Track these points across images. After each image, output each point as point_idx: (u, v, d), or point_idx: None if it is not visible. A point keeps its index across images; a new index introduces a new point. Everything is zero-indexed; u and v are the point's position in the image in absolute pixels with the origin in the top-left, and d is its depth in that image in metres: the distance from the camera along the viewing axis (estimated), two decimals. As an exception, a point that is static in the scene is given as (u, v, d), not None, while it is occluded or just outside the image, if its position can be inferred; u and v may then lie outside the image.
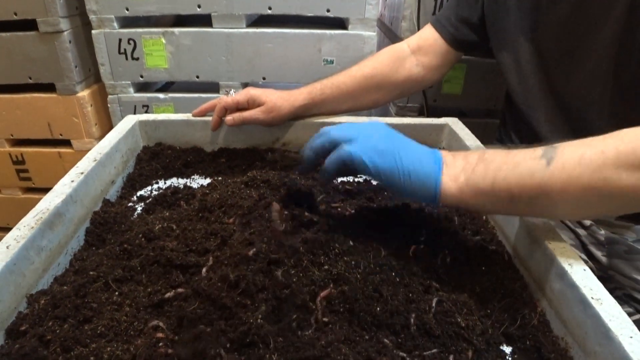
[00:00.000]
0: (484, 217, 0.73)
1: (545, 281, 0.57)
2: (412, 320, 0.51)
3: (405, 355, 0.48)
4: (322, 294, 0.50)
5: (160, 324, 0.49)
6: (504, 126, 1.03)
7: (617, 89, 0.72)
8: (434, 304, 0.52)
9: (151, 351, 0.46)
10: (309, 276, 0.51)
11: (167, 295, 0.51)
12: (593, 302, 0.48)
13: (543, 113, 0.86)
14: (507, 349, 0.53)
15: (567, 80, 0.80)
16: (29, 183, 1.43)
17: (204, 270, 0.52)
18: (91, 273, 0.59)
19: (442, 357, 0.49)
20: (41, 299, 0.56)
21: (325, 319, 0.49)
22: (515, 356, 0.53)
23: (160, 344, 0.47)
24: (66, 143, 1.35)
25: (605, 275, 0.81)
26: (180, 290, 0.51)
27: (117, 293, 0.56)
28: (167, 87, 1.43)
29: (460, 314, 0.53)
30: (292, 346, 0.45)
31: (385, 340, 0.49)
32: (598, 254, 0.84)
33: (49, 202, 0.63)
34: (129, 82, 1.24)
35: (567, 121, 0.83)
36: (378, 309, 0.50)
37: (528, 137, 0.92)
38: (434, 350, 0.50)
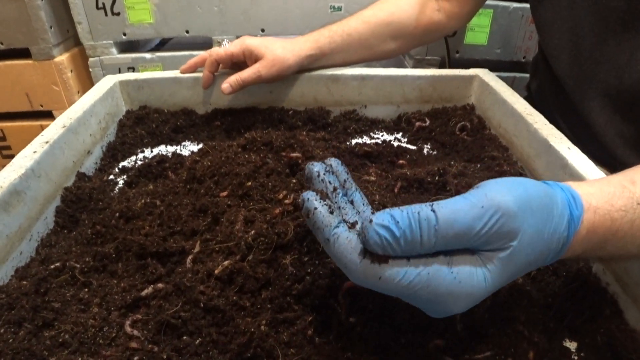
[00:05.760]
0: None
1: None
2: (458, 317, 0.39)
3: (453, 362, 0.37)
4: (346, 285, 0.38)
5: (129, 328, 0.38)
6: (541, 95, 0.87)
7: None
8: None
9: (123, 368, 0.35)
10: (327, 264, 0.39)
11: (145, 292, 0.40)
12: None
13: (599, 95, 0.69)
14: (572, 345, 0.43)
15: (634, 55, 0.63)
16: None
17: (188, 260, 0.40)
18: (57, 264, 0.48)
19: (499, 361, 0.38)
20: (-6, 297, 0.45)
21: (351, 320, 0.37)
22: (582, 354, 0.42)
23: (136, 358, 0.36)
24: (48, 115, 1.23)
25: None
26: (159, 285, 0.40)
27: (85, 289, 0.45)
28: (156, 50, 1.29)
29: (519, 305, 0.42)
30: (308, 360, 0.34)
31: (428, 344, 0.38)
32: None
33: (2, 179, 0.52)
34: (111, 41, 1.10)
35: (634, 113, 0.66)
36: (416, 304, 0.39)
37: (575, 121, 0.76)
38: (488, 354, 0.39)
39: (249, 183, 0.46)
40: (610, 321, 0.44)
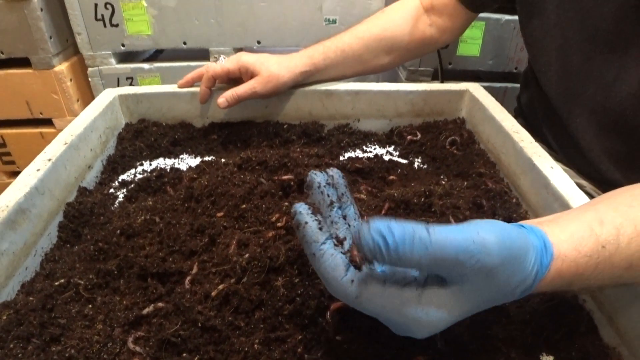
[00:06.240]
0: (515, 200, 0.63)
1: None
2: (439, 334, 0.42)
3: (434, 376, 0.40)
4: (334, 306, 0.41)
5: (131, 345, 0.40)
6: (530, 108, 0.89)
7: None
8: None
9: (127, 383, 0.38)
10: (317, 285, 0.41)
11: (146, 311, 0.43)
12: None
13: (585, 112, 0.71)
14: (548, 359, 0.46)
15: (626, 73, 0.64)
16: (13, 167, 1.34)
17: (187, 281, 0.43)
18: (62, 281, 0.50)
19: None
20: (3, 313, 0.48)
21: (338, 338, 0.40)
22: (557, 367, 0.45)
23: (138, 374, 0.38)
24: (48, 122, 1.25)
25: None
26: (160, 305, 0.42)
27: (89, 305, 0.48)
28: (154, 57, 1.31)
29: (497, 322, 0.45)
30: (297, 377, 0.36)
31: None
32: None
33: (8, 198, 0.54)
34: (110, 52, 1.12)
35: (619, 130, 0.67)
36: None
37: (562, 135, 0.78)
38: None
39: (244, 205, 0.49)
40: (585, 337, 0.47)
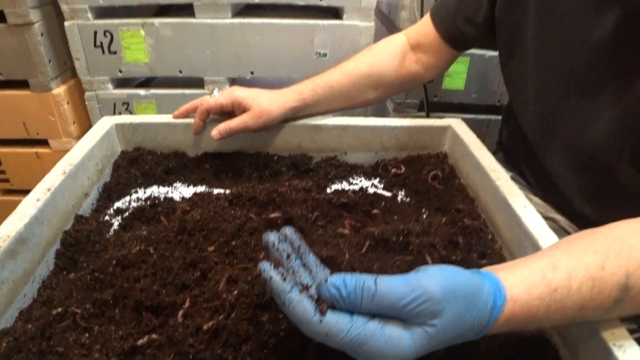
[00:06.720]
0: (490, 236, 0.67)
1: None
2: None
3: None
4: (315, 341, 0.44)
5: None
6: (511, 142, 0.94)
7: None
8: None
9: (121, 413, 0.40)
10: (300, 320, 0.45)
11: (140, 342, 0.46)
12: (615, 349, 0.43)
13: (559, 150, 0.75)
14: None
15: (600, 117, 0.67)
16: (7, 185, 1.36)
17: (179, 314, 0.46)
18: (59, 310, 0.53)
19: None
20: (3, 340, 0.50)
21: (317, 371, 0.43)
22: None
23: (132, 403, 0.41)
24: (43, 143, 1.28)
25: None
26: (154, 336, 0.45)
27: (86, 334, 0.50)
28: (149, 81, 1.35)
29: (469, 356, 0.48)
30: (280, 408, 0.39)
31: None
32: None
33: (9, 228, 0.57)
34: (107, 77, 1.16)
35: (591, 168, 0.71)
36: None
37: (539, 171, 0.82)
38: None
39: (234, 242, 0.52)
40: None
